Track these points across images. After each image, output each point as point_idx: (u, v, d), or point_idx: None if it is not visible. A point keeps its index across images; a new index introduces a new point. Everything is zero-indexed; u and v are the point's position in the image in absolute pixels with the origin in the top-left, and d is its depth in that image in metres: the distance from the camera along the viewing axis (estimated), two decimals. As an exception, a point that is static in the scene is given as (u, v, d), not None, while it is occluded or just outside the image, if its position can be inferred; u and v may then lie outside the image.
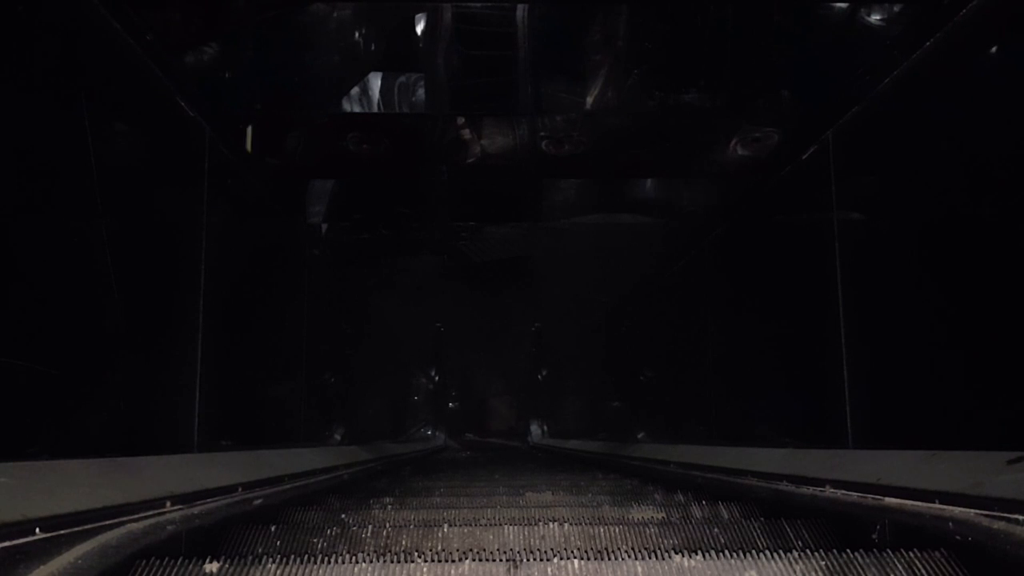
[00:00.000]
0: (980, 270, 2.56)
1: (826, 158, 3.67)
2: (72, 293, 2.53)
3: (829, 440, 3.46)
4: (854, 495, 2.53)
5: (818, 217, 3.72)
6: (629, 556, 2.00)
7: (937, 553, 1.95)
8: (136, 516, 2.08)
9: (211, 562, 1.96)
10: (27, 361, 2.21)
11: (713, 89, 3.65)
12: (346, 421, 7.14)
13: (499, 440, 14.61)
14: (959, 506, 1.99)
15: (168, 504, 2.29)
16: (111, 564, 1.84)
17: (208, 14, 3.09)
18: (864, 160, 3.47)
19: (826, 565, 1.94)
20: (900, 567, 1.92)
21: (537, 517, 2.99)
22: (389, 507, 3.40)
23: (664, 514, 3.06)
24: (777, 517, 2.62)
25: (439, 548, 2.42)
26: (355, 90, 3.85)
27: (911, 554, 1.96)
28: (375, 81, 3.82)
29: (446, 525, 2.61)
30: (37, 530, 1.63)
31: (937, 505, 2.07)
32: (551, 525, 2.53)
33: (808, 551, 2.01)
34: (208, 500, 2.59)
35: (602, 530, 2.52)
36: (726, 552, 1.98)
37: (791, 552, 1.99)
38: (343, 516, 3.08)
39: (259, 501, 3.03)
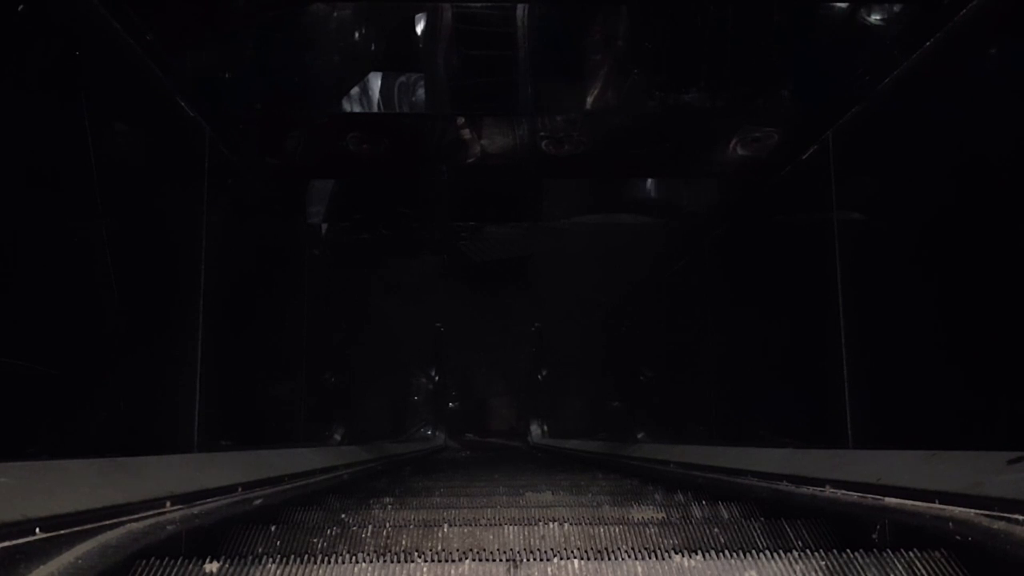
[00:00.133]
0: (980, 270, 2.56)
1: (826, 158, 3.68)
2: (72, 293, 2.53)
3: (829, 440, 3.46)
4: (854, 495, 2.52)
5: (818, 217, 3.72)
6: (629, 556, 2.00)
7: (937, 553, 1.95)
8: (136, 516, 2.08)
9: (211, 562, 1.96)
10: (27, 361, 2.21)
11: (713, 89, 3.65)
12: (346, 421, 7.14)
13: (499, 440, 14.60)
14: (959, 506, 1.99)
15: (168, 504, 2.29)
16: (111, 564, 1.84)
17: (208, 14, 3.08)
18: (864, 160, 3.47)
19: (826, 565, 1.94)
20: (900, 567, 1.92)
21: (537, 517, 2.99)
22: (389, 507, 3.40)
23: (664, 514, 3.06)
24: (777, 517, 2.62)
25: (439, 548, 2.42)
26: (355, 90, 3.84)
27: (911, 554, 1.96)
28: (375, 81, 3.82)
29: (446, 525, 2.61)
30: (37, 530, 1.63)
31: (937, 505, 2.07)
32: (551, 525, 2.53)
33: (808, 551, 2.01)
34: (208, 500, 2.59)
35: (602, 530, 2.52)
36: (726, 552, 1.98)
37: (791, 552, 1.99)
38: (343, 516, 3.08)
39: (259, 501, 3.03)
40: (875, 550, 2.00)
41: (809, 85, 3.62)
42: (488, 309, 11.48)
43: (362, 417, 8.31)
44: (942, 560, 1.93)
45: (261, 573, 1.94)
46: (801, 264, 4.06)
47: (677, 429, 6.66)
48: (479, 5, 3.28)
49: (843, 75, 3.31)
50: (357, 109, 3.92)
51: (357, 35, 3.51)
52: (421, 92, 3.87)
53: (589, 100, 3.81)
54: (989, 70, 2.58)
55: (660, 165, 4.86)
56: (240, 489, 2.94)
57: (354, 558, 1.98)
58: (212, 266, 3.57)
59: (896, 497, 2.28)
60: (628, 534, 2.52)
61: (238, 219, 4.23)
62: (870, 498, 2.42)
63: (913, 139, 3.05)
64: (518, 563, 1.96)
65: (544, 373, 13.78)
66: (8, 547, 1.55)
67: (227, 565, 1.96)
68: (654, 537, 2.52)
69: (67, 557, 1.71)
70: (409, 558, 2.00)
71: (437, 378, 14.04)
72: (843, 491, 2.61)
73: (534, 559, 1.99)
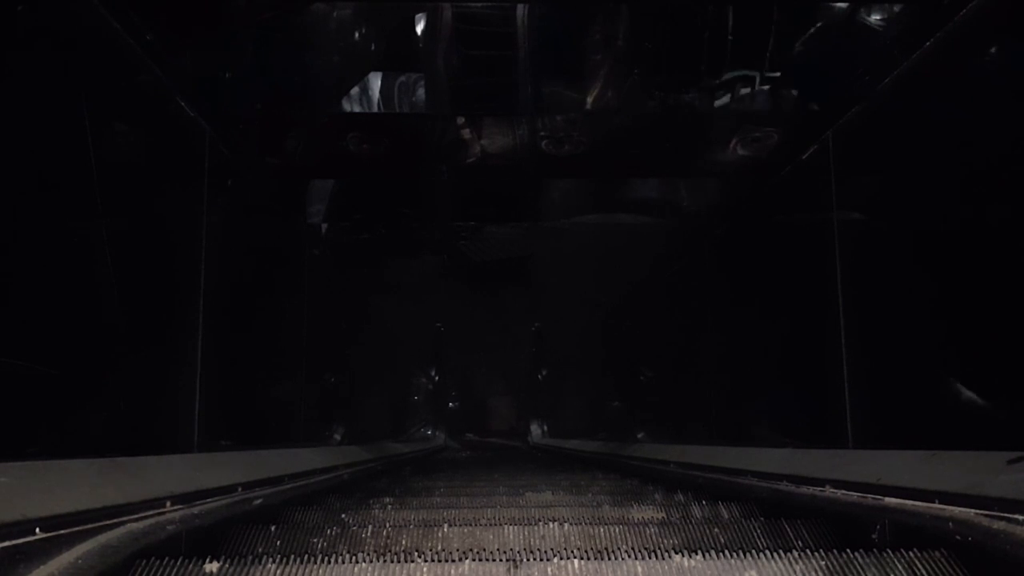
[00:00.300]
0: (980, 270, 2.56)
1: (826, 158, 3.68)
2: (72, 293, 2.53)
3: (829, 440, 3.46)
4: (854, 495, 2.53)
5: (818, 217, 3.72)
6: (629, 556, 2.00)
7: (937, 553, 1.95)
8: (136, 516, 2.08)
9: (211, 562, 1.96)
10: (27, 361, 2.21)
11: (713, 89, 3.65)
12: (346, 421, 7.15)
13: (499, 440, 14.60)
14: (959, 506, 1.99)
15: (168, 504, 2.29)
16: (111, 564, 1.84)
17: (208, 14, 3.08)
18: (864, 160, 3.48)
19: (826, 565, 1.94)
20: (900, 567, 1.92)
21: (537, 517, 2.99)
22: (389, 507, 3.40)
23: (664, 514, 3.06)
24: (777, 517, 2.62)
25: (439, 548, 2.42)
26: (355, 90, 3.84)
27: (911, 554, 1.96)
28: (375, 81, 3.81)
29: (446, 525, 2.61)
30: (37, 530, 1.63)
31: (937, 505, 2.07)
32: (551, 525, 2.53)
33: (808, 551, 2.01)
34: (208, 500, 2.59)
35: (602, 530, 2.52)
36: (726, 552, 1.98)
37: (791, 552, 1.99)
38: (343, 516, 3.08)
39: (259, 501, 3.03)
40: (875, 550, 2.00)
41: (809, 85, 3.62)
42: (488, 309, 11.47)
43: (362, 417, 8.31)
44: (942, 560, 1.93)
45: (261, 573, 1.94)
46: (801, 264, 4.06)
47: (677, 429, 6.66)
48: (479, 5, 3.28)
49: (843, 75, 3.31)
50: (357, 109, 3.92)
51: (357, 35, 3.51)
52: (421, 92, 3.87)
53: (589, 100, 3.81)
54: (989, 70, 2.58)
55: (660, 165, 4.86)
56: (240, 489, 2.94)
57: (354, 558, 1.98)
58: (212, 266, 3.57)
59: (896, 497, 2.28)
60: (628, 534, 2.52)
61: (238, 219, 4.23)
62: (870, 498, 2.42)
63: (913, 139, 3.05)
64: (518, 563, 1.96)
65: (544, 373, 13.78)
66: (8, 547, 1.55)
67: (227, 565, 1.96)
68: (654, 537, 2.52)
69: (67, 557, 1.71)
70: (409, 558, 2.01)
71: (437, 378, 14.04)
72: (843, 491, 2.61)
73: (534, 559, 1.99)
